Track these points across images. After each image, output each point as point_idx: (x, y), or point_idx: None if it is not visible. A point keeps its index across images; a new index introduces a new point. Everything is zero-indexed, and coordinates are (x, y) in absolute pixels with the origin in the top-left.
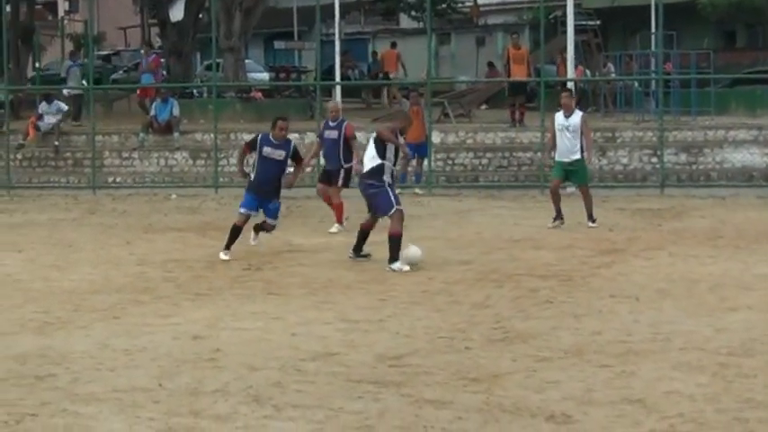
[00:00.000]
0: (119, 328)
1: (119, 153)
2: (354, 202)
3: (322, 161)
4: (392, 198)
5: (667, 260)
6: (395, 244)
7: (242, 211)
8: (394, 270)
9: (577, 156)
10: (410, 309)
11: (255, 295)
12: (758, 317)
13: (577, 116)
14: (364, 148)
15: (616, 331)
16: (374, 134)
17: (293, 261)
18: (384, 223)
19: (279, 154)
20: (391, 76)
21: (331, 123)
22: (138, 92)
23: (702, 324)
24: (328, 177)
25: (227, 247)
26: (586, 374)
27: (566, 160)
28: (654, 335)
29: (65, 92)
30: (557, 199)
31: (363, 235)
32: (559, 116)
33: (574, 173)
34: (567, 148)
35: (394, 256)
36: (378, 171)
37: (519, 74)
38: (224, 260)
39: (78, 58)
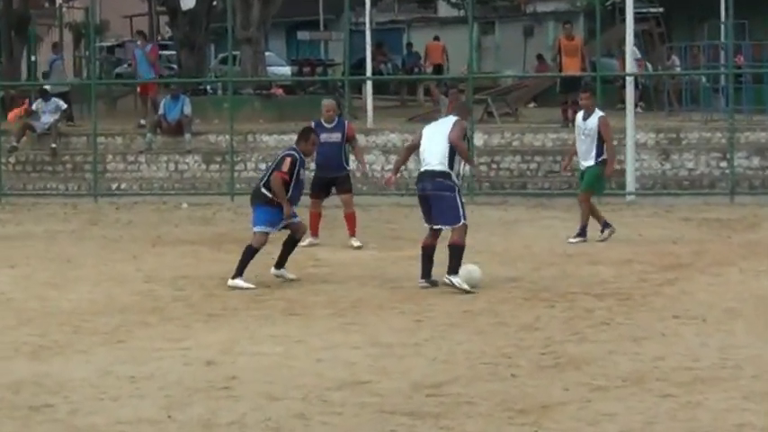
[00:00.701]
0: (123, 352)
1: (123, 156)
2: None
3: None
4: (461, 210)
5: (738, 277)
6: (458, 254)
7: (264, 229)
8: (453, 284)
9: (591, 162)
10: (449, 331)
11: (275, 316)
12: None
13: (595, 118)
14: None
15: (681, 356)
16: (446, 132)
17: (318, 278)
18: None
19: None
20: (428, 70)
21: (327, 125)
22: (138, 89)
23: None
24: (326, 187)
25: (240, 273)
26: (647, 405)
27: (581, 168)
28: (723, 360)
29: (47, 89)
30: (594, 210)
31: (429, 255)
32: (578, 117)
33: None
34: (582, 153)
35: (455, 268)
36: (449, 174)
37: (572, 67)
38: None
39: (61, 50)
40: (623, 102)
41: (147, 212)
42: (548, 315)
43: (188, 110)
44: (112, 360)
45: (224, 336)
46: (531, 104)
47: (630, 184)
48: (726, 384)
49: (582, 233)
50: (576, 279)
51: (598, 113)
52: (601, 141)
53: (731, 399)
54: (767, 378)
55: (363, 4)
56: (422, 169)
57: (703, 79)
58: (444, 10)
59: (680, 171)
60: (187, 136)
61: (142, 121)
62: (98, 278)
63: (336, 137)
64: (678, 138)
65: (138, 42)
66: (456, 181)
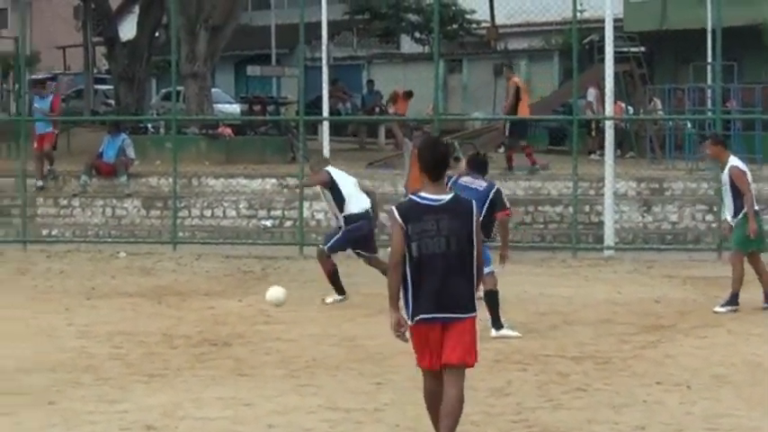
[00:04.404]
0: (54, 415)
1: (55, 200)
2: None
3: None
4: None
5: (726, 339)
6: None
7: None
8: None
9: (729, 217)
10: (413, 395)
11: (223, 377)
12: None
13: (726, 168)
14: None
15: (663, 426)
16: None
17: (269, 335)
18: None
19: None
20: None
21: None
22: (35, 142)
23: None
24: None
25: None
26: None
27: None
28: (709, 430)
29: None
30: (740, 273)
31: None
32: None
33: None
34: (726, 207)
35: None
36: None
37: (525, 110)
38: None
39: None
40: (602, 147)
41: (81, 261)
42: (519, 379)
43: (131, 152)
44: (42, 423)
45: (165, 398)
46: (502, 149)
47: (609, 238)
48: None
49: (732, 301)
50: (550, 340)
51: (730, 163)
52: (737, 194)
53: None
54: None
55: (319, 37)
56: None
57: (688, 125)
58: (408, 46)
59: (663, 224)
60: (123, 178)
61: (39, 183)
62: (26, 333)
63: None
64: (661, 188)
65: (36, 93)
66: None
